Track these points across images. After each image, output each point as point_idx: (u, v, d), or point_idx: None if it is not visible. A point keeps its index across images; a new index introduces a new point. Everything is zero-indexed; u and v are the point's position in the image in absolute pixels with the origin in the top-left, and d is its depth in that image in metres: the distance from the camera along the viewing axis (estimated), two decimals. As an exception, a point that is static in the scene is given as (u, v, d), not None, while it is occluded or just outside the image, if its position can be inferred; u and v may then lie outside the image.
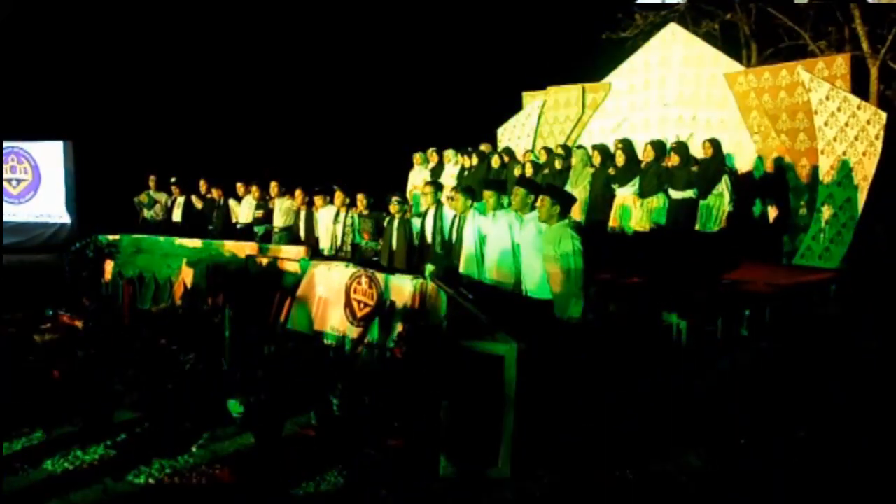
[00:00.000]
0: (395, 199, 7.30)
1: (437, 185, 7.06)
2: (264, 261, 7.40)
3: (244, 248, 7.66)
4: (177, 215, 9.78)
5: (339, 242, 7.84)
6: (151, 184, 10.06)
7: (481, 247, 5.80)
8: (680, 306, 6.07)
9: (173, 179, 9.88)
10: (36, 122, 13.69)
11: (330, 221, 7.99)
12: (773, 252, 9.23)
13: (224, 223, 9.41)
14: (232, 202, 9.51)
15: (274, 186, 9.06)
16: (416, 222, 7.18)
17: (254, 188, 9.17)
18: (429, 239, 6.74)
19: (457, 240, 6.21)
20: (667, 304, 6.17)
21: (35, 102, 13.83)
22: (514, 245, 5.32)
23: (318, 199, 8.27)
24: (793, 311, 6.99)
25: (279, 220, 8.82)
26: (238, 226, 9.31)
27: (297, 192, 8.52)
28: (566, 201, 4.95)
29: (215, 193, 9.61)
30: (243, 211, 9.31)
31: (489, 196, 5.70)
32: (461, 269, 6.01)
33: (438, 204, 6.72)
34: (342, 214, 7.87)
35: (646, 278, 7.29)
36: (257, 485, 3.73)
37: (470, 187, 6.61)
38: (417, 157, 10.88)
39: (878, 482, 3.95)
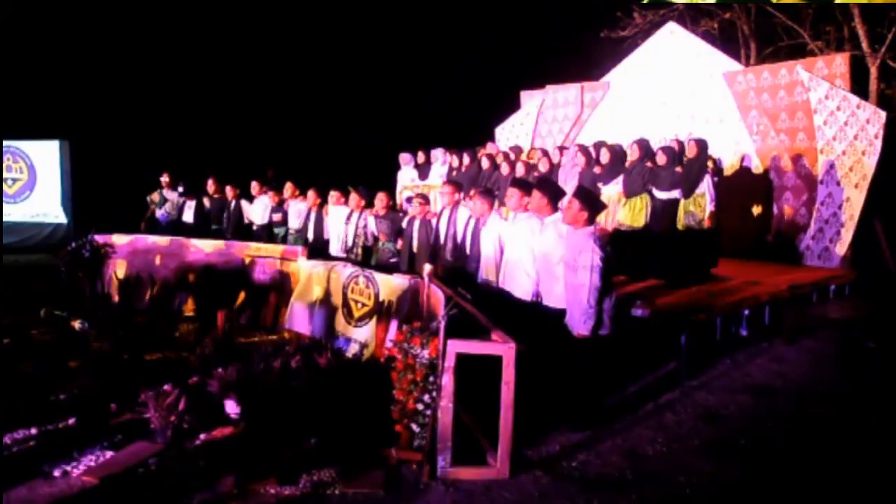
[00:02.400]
0: (416, 199, 7.08)
1: (456, 185, 6.61)
2: (263, 261, 7.37)
3: (243, 249, 7.63)
4: (188, 216, 9.66)
5: (349, 244, 7.61)
6: (164, 183, 9.92)
7: (500, 252, 5.53)
8: (679, 306, 6.04)
9: (181, 189, 9.75)
10: (32, 121, 13.65)
11: (341, 223, 7.76)
12: (772, 252, 9.23)
13: (237, 224, 9.23)
14: (244, 202, 9.34)
15: (288, 187, 8.87)
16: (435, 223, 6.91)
17: (272, 191, 8.97)
18: (441, 239, 6.39)
19: (471, 243, 5.87)
20: (666, 304, 6.14)
21: (31, 102, 13.78)
22: (532, 251, 5.07)
23: (330, 199, 8.08)
24: (793, 310, 6.97)
25: (293, 222, 8.64)
26: (254, 227, 9.15)
27: (310, 193, 8.36)
28: (595, 206, 4.68)
29: (229, 193, 9.43)
30: (257, 211, 9.12)
31: (512, 194, 5.40)
32: (480, 275, 5.70)
33: (456, 204, 6.35)
34: (355, 215, 7.64)
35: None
36: (256, 484, 3.71)
37: (489, 189, 6.38)
38: (403, 157, 10.79)
39: (880, 481, 3.93)
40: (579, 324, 4.48)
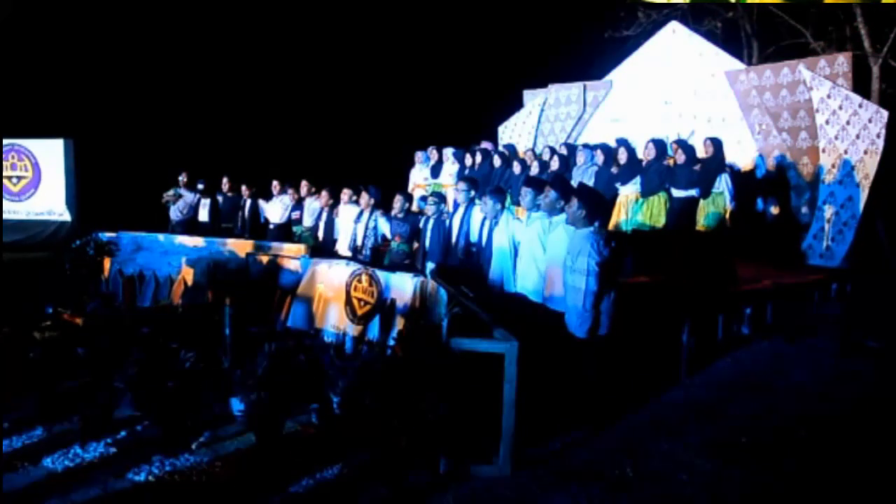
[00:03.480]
0: (430, 199, 7.08)
1: (472, 183, 6.58)
2: (265, 259, 7.38)
3: (245, 246, 7.64)
4: (203, 215, 9.67)
5: (359, 244, 7.62)
6: (182, 182, 9.94)
7: (514, 253, 5.53)
8: (683, 305, 6.05)
9: (200, 187, 9.76)
10: (37, 119, 13.68)
11: (350, 222, 7.77)
12: (774, 251, 9.22)
13: (252, 223, 9.26)
14: (261, 201, 9.36)
15: (304, 185, 8.90)
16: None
17: (291, 189, 9.00)
18: (453, 238, 6.38)
19: (486, 243, 5.87)
20: (670, 302, 6.15)
21: (36, 100, 13.82)
22: (543, 251, 5.08)
23: (343, 196, 8.09)
24: (794, 309, 6.98)
25: (307, 221, 8.67)
26: (270, 225, 9.16)
27: (324, 193, 8.38)
28: (595, 205, 4.64)
29: (244, 192, 9.44)
30: (275, 210, 9.14)
31: (525, 194, 5.44)
32: (491, 276, 5.69)
33: (470, 203, 6.35)
34: (365, 215, 7.63)
35: (648, 277, 7.28)
36: (258, 483, 3.73)
37: (500, 188, 6.36)
38: (418, 155, 10.89)
39: (880, 482, 3.95)
40: (576, 327, 4.50)
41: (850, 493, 3.83)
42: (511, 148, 10.06)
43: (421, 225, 7.05)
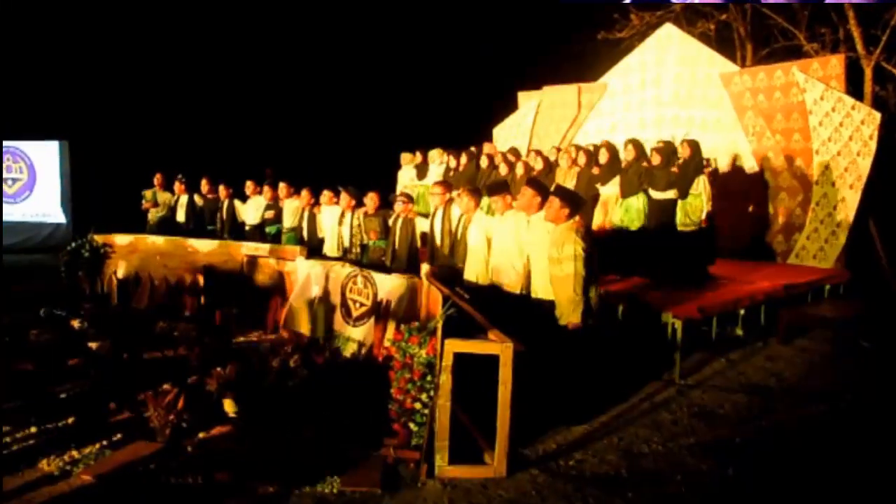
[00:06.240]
0: (400, 198, 7.23)
1: (446, 185, 6.82)
2: (261, 261, 7.40)
3: (242, 249, 7.64)
4: (180, 215, 9.67)
5: (346, 244, 7.72)
6: (156, 183, 9.94)
7: (487, 248, 5.67)
8: (673, 305, 6.07)
9: (180, 176, 9.75)
10: (32, 121, 13.64)
11: (335, 222, 7.85)
12: (767, 252, 9.28)
13: (231, 223, 9.28)
14: (237, 202, 9.38)
15: (283, 187, 8.95)
16: (421, 221, 7.06)
17: (265, 188, 9.04)
18: (437, 239, 6.54)
19: (461, 239, 6.05)
20: (661, 303, 6.18)
21: (31, 102, 13.77)
22: (519, 246, 5.22)
23: (322, 198, 8.18)
24: (788, 310, 7.01)
25: (288, 221, 8.71)
26: (246, 226, 9.19)
27: (303, 192, 8.44)
28: (575, 203, 4.86)
29: (221, 192, 9.45)
30: (250, 211, 9.18)
31: (496, 200, 5.60)
32: (467, 271, 5.86)
33: (448, 203, 6.52)
34: (348, 215, 7.72)
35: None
36: (254, 484, 3.73)
37: (477, 188, 6.51)
38: (405, 156, 10.89)
39: (875, 480, 3.97)
40: (569, 313, 4.60)
41: (844, 492, 3.84)
42: (515, 153, 10.06)
43: (391, 223, 7.19)
